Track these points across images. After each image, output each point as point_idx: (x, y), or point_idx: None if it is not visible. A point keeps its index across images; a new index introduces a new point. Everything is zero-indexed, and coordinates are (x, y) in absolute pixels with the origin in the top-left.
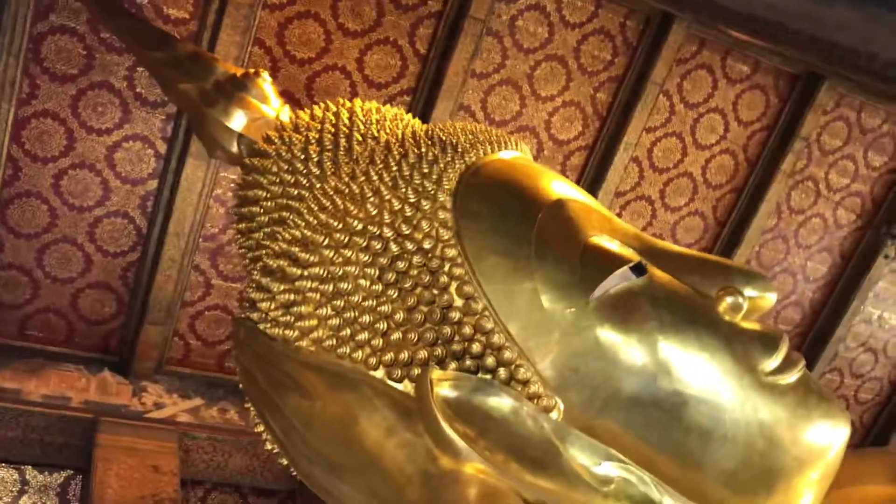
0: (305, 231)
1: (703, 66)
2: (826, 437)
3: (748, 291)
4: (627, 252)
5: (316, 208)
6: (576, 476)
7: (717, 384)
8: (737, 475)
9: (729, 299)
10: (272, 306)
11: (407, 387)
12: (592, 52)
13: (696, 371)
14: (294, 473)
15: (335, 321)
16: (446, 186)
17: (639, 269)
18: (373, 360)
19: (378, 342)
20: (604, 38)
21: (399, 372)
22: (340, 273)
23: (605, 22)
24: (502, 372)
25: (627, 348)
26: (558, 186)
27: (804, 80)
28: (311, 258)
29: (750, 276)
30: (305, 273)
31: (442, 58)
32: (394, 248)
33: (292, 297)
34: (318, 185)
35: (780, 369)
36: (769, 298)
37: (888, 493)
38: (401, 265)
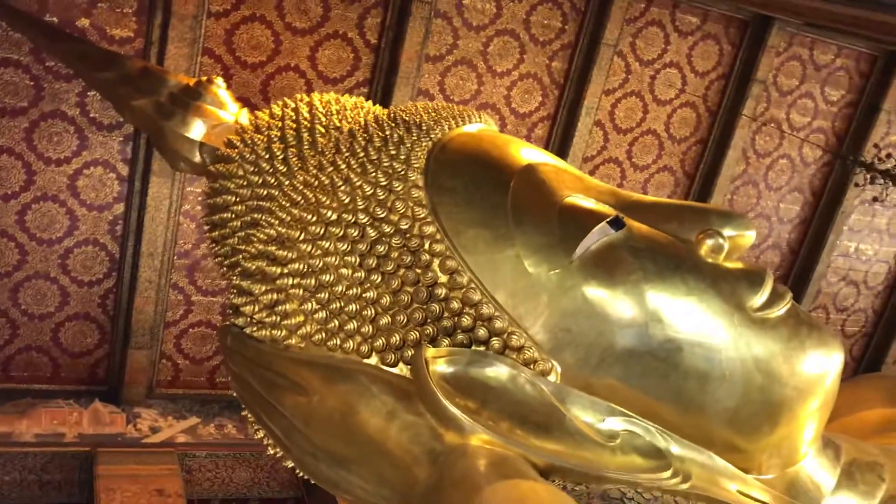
0: (280, 229)
1: (653, 22)
2: (822, 364)
3: (727, 231)
4: (603, 208)
5: (287, 205)
6: (581, 434)
7: (709, 325)
8: (739, 413)
9: (709, 241)
10: (256, 308)
11: (402, 370)
12: (542, 22)
13: (686, 315)
14: (300, 474)
15: (321, 314)
16: (416, 165)
17: (617, 223)
18: (364, 348)
19: (367, 329)
20: (552, 6)
21: (392, 356)
22: (321, 265)
23: None
24: (495, 342)
25: (615, 302)
26: (527, 152)
27: (754, 24)
28: (290, 254)
29: (727, 216)
30: (285, 270)
31: (394, 45)
32: (371, 232)
33: (275, 296)
34: (286, 182)
35: (769, 303)
36: (748, 236)
37: (885, 416)
38: (380, 249)
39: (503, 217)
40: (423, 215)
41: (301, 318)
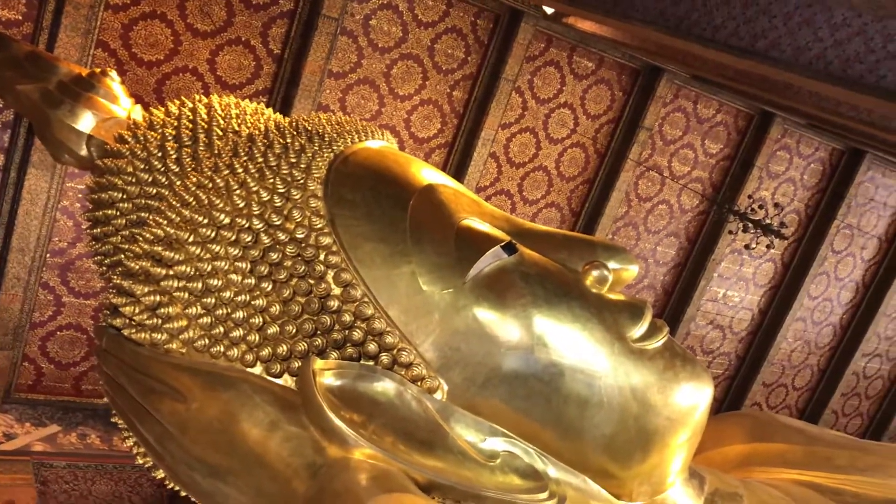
0: (168, 229)
1: (551, 62)
2: (694, 396)
3: (612, 264)
4: (498, 233)
5: (178, 205)
6: (463, 453)
7: (591, 353)
8: (614, 439)
9: (595, 272)
10: (136, 310)
11: (287, 381)
12: (446, 51)
13: (571, 341)
14: (170, 486)
15: (206, 319)
16: (316, 175)
17: (510, 248)
18: (250, 357)
19: (254, 338)
20: (456, 37)
21: (278, 366)
22: (209, 269)
23: (456, 20)
24: (385, 357)
25: (504, 324)
26: (427, 173)
27: (645, 73)
28: (177, 256)
29: (613, 249)
30: (171, 272)
31: (297, 57)
32: (265, 239)
33: (158, 298)
34: (178, 182)
35: (647, 335)
36: (632, 270)
37: (745, 451)
38: (273, 256)
39: (401, 234)
40: (320, 226)
41: (184, 323)
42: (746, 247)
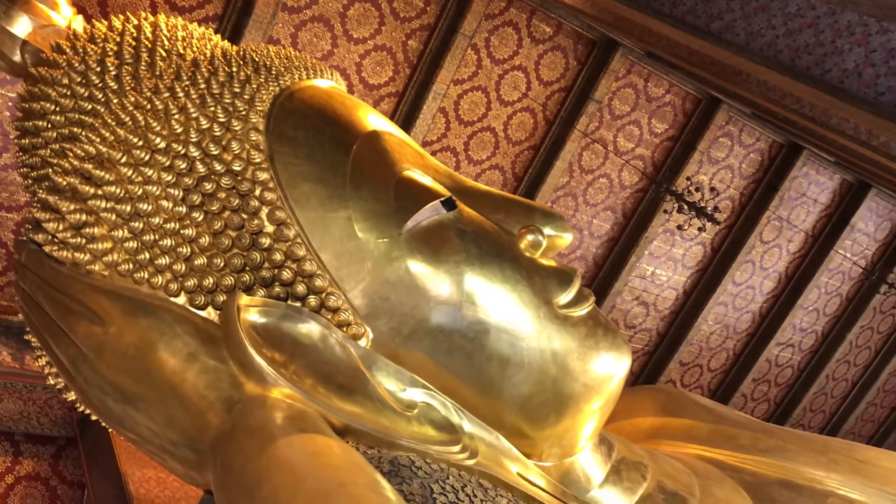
0: (101, 147)
1: (510, 23)
2: (611, 366)
3: (548, 230)
4: (439, 187)
5: (113, 123)
6: (382, 401)
7: (517, 314)
8: (531, 400)
9: (530, 237)
10: (60, 227)
11: (211, 314)
12: None
13: (499, 302)
14: (81, 408)
15: (132, 244)
16: (259, 108)
17: (449, 204)
18: (174, 286)
19: (180, 267)
20: None
21: (203, 298)
22: (140, 193)
23: None
24: (313, 300)
25: (436, 279)
26: (374, 119)
27: (601, 45)
28: (107, 176)
29: (550, 216)
30: (100, 192)
31: None
32: (200, 168)
33: (84, 217)
34: (115, 100)
35: (574, 302)
36: (566, 238)
37: (655, 424)
38: (208, 187)
39: (341, 178)
40: (258, 160)
41: (109, 245)
42: (679, 227)
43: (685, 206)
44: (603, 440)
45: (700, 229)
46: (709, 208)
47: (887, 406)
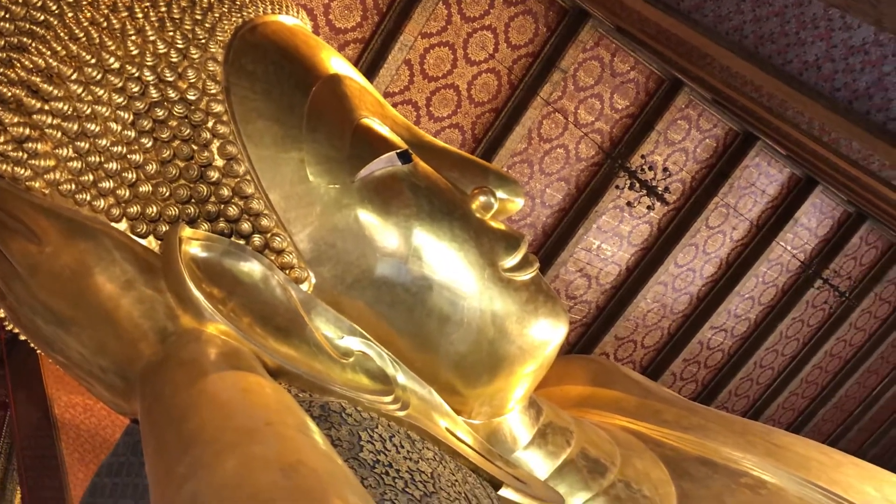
0: (51, 61)
1: None
2: (547, 332)
3: (500, 193)
4: (396, 139)
5: (66, 38)
6: (318, 346)
7: (462, 273)
8: (466, 358)
9: (483, 198)
10: (1, 139)
11: (152, 243)
12: None
13: (445, 259)
14: (10, 327)
15: (77, 164)
16: (220, 38)
17: (405, 157)
18: (116, 211)
19: (124, 192)
20: None
21: (144, 226)
22: (89, 112)
23: None
24: (257, 239)
25: (384, 230)
26: (337, 62)
27: (572, 14)
28: (56, 91)
29: (504, 179)
30: (46, 107)
31: None
32: (154, 93)
33: (28, 131)
34: (70, 14)
35: (518, 267)
36: (517, 203)
37: (585, 393)
38: (159, 113)
39: (298, 118)
40: (214, 91)
41: (52, 163)
42: (629, 204)
43: (637, 184)
44: (532, 404)
45: (649, 208)
46: (660, 188)
47: (808, 397)
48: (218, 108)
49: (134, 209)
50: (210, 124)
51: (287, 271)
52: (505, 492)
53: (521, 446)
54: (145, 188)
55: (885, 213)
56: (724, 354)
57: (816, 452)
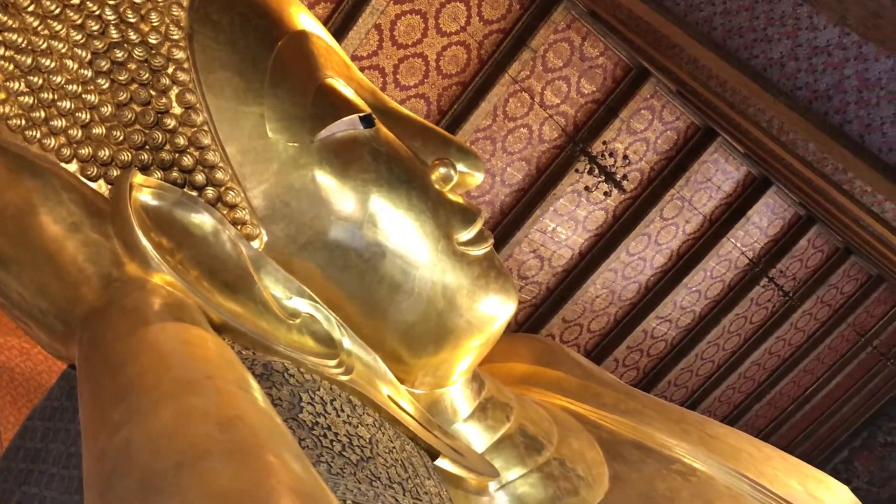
0: None
1: None
2: (496, 308)
3: (461, 167)
4: (360, 102)
5: None
6: (265, 305)
7: (416, 243)
8: (414, 328)
9: (443, 169)
10: None
11: (101, 187)
12: None
13: (400, 228)
14: None
15: (28, 99)
16: None
17: (367, 121)
18: (67, 151)
19: (76, 133)
20: None
21: (95, 169)
22: (44, 46)
23: None
24: (210, 191)
25: (341, 194)
26: (306, 19)
27: None
28: (10, 22)
29: (466, 153)
30: (0, 38)
31: None
32: (114, 33)
33: None
34: None
35: (473, 241)
36: (477, 177)
37: (528, 371)
38: (119, 54)
39: (261, 72)
40: (176, 37)
41: (2, 95)
42: (587, 188)
43: (596, 169)
44: (475, 377)
45: (606, 194)
46: (618, 175)
47: (744, 391)
48: (179, 54)
49: (85, 151)
50: (170, 70)
51: (239, 227)
52: (442, 462)
53: (461, 418)
54: (99, 130)
55: (833, 217)
56: (667, 345)
57: (747, 445)
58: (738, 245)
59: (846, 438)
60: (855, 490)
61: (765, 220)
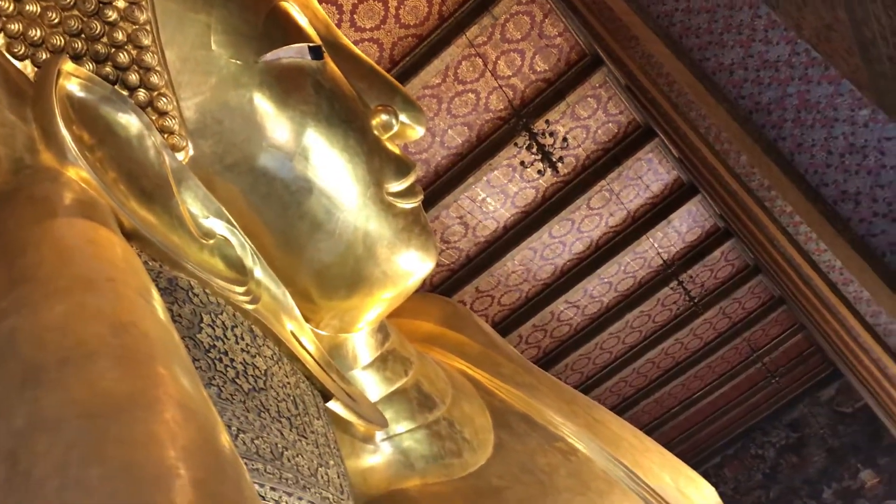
0: None
1: None
2: (414, 265)
3: (403, 117)
4: (312, 32)
5: None
6: (180, 219)
7: (345, 185)
8: (329, 269)
9: (384, 116)
10: None
11: (27, 68)
12: None
13: (332, 167)
14: None
15: None
16: None
17: (316, 52)
18: None
19: (7, 5)
20: None
21: (23, 48)
22: None
23: None
24: (142, 94)
25: (277, 121)
26: None
27: None
28: None
29: (411, 104)
30: None
31: None
32: None
33: None
34: None
35: (403, 194)
36: (417, 131)
37: (434, 331)
38: None
39: None
40: None
41: None
42: (522, 164)
43: (535, 146)
44: (381, 329)
45: (540, 173)
46: (555, 156)
47: (635, 386)
48: None
49: (15, 27)
50: None
51: (166, 136)
52: (333, 405)
53: (360, 366)
54: (32, 8)
55: (749, 234)
56: (571, 329)
57: (630, 435)
58: (656, 245)
59: (721, 445)
60: (721, 494)
61: (685, 225)
